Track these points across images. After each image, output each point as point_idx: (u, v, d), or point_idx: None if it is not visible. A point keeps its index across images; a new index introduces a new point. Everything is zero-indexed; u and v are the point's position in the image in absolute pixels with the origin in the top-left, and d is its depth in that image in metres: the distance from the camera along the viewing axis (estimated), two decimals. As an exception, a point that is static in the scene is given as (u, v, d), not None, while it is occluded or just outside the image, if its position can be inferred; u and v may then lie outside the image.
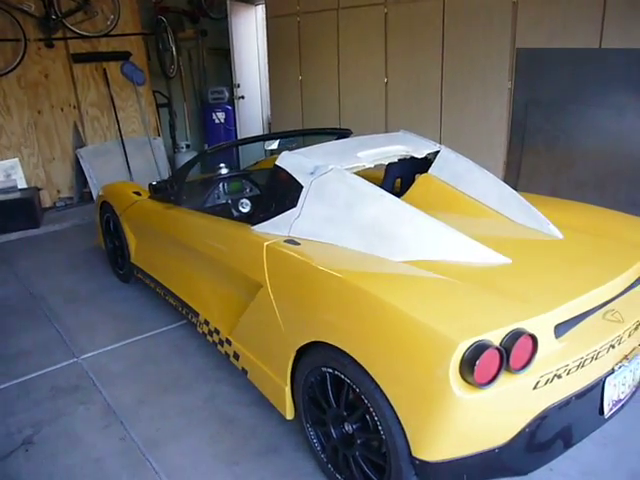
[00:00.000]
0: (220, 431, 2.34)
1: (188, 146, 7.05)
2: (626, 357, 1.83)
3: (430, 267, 1.91)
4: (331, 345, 1.79)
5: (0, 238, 4.98)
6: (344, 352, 1.74)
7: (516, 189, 3.96)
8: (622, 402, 1.90)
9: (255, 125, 7.35)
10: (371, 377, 1.66)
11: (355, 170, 2.44)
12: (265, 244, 2.21)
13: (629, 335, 1.83)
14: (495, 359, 1.48)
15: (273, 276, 2.13)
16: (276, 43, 5.93)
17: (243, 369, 2.44)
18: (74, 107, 5.89)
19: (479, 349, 1.44)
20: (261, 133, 7.21)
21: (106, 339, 3.14)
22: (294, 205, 2.30)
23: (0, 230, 5.00)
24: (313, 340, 1.89)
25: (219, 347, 2.63)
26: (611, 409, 1.85)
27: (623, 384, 1.87)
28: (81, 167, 5.86)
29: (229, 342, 2.50)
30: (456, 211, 2.53)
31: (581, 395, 1.70)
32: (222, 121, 6.92)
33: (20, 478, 2.13)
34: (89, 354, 3.00)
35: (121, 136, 6.11)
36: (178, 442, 2.29)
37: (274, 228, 2.34)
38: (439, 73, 4.28)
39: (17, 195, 5.24)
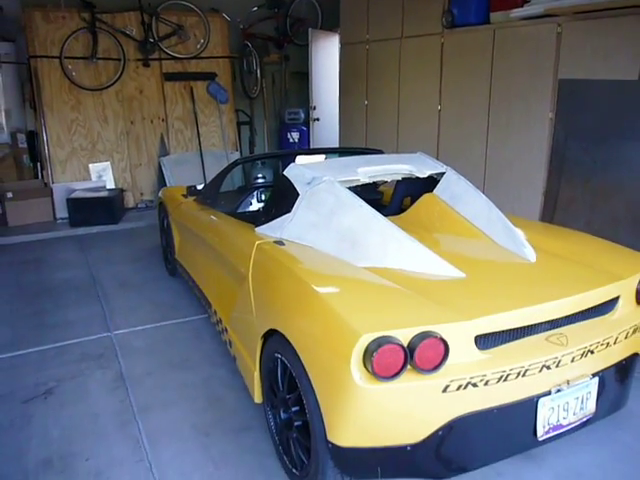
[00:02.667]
0: (205, 407, 2.60)
1: (264, 163, 7.53)
2: (568, 382, 1.84)
3: (384, 273, 2.05)
4: (281, 332, 1.99)
5: (84, 230, 5.69)
6: (287, 338, 1.94)
7: (552, 221, 3.93)
8: (565, 429, 1.89)
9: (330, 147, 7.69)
10: (302, 362, 1.84)
11: (350, 184, 2.63)
12: (256, 243, 2.47)
13: (572, 360, 1.83)
14: (398, 355, 1.59)
15: (255, 269, 2.38)
16: (347, 69, 6.25)
17: (234, 356, 2.68)
18: (162, 120, 6.58)
19: (380, 343, 1.57)
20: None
21: (139, 321, 3.54)
22: (289, 210, 2.54)
23: (85, 223, 5.72)
24: (272, 327, 2.10)
25: (222, 335, 2.90)
26: (547, 432, 1.84)
27: (565, 409, 1.86)
28: (163, 173, 6.51)
29: (226, 330, 2.77)
30: (448, 228, 2.63)
31: (505, 410, 1.74)
32: (296, 141, 7.34)
33: (33, 419, 2.52)
34: (121, 331, 3.41)
35: (200, 148, 6.71)
36: (166, 410, 2.57)
37: (271, 230, 2.59)
38: (487, 102, 4.33)
39: (104, 194, 5.94)
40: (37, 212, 5.85)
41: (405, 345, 1.60)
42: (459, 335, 1.70)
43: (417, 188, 2.95)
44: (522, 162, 4.10)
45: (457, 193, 2.72)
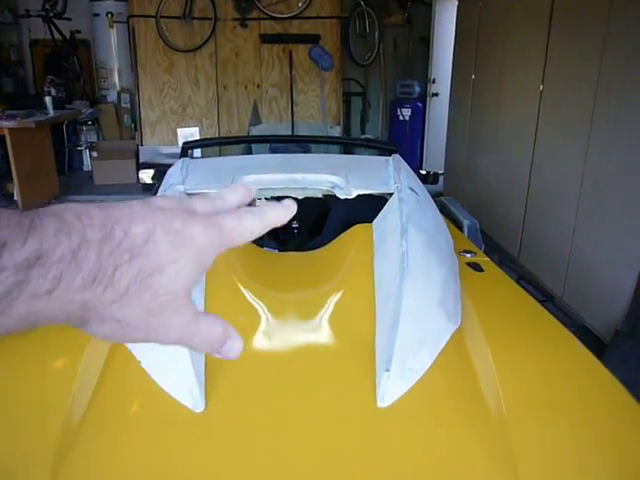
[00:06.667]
0: None
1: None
2: None
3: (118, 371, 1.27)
4: None
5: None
6: None
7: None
8: None
9: (451, 127, 6.46)
10: None
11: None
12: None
13: None
14: None
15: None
16: (460, 35, 5.01)
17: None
18: (257, 86, 6.11)
19: None
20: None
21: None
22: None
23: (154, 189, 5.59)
24: None
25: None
26: None
27: None
28: (250, 144, 6.09)
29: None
30: (348, 288, 1.65)
31: None
32: (407, 119, 6.28)
33: None
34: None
35: (292, 119, 6.10)
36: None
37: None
38: (593, 86, 2.91)
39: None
40: (121, 173, 5.91)
41: None
42: None
43: (361, 211, 1.98)
44: (626, 186, 2.68)
45: (388, 230, 1.72)
